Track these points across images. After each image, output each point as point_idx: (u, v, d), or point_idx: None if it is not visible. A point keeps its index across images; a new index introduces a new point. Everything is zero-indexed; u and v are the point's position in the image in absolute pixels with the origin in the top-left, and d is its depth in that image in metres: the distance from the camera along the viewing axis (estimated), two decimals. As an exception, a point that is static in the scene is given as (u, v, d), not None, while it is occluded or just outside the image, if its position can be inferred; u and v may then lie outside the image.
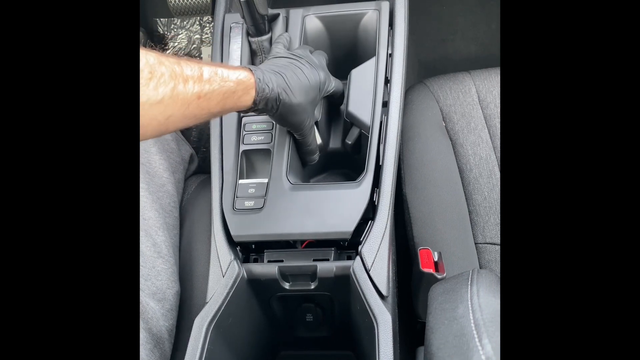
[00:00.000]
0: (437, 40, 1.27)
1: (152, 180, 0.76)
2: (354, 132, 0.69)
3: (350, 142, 0.69)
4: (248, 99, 0.54)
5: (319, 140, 0.69)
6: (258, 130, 0.69)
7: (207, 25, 1.29)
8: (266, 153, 0.68)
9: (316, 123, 0.67)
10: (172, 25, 1.30)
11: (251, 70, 0.54)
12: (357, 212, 0.61)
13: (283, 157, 0.66)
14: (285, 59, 0.61)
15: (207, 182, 0.76)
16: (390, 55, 0.70)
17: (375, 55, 0.70)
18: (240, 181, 0.68)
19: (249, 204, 0.65)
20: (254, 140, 0.69)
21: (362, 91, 0.68)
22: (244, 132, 0.70)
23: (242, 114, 0.69)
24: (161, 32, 1.30)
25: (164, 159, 0.80)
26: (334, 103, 0.72)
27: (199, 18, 1.29)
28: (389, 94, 0.69)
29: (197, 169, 0.93)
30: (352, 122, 0.68)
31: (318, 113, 0.67)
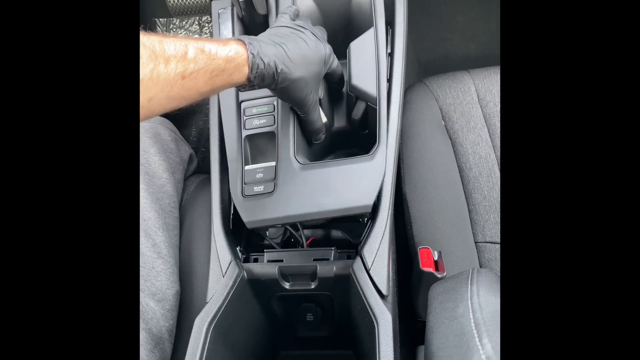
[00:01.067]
0: (436, 40, 1.27)
1: (152, 180, 0.76)
2: (360, 107, 0.65)
3: (357, 118, 0.66)
4: (241, 76, 0.50)
5: (324, 119, 0.65)
6: (259, 114, 0.67)
7: (206, 25, 1.29)
8: (270, 136, 0.66)
9: (320, 101, 0.64)
10: (171, 25, 1.30)
11: (245, 44, 0.50)
12: (374, 185, 0.59)
13: (289, 137, 0.63)
14: (288, 29, 0.57)
15: (207, 182, 0.76)
16: (389, 54, 0.70)
17: (372, 26, 0.67)
18: (247, 167, 0.65)
19: (258, 189, 0.62)
20: (256, 124, 0.66)
21: (364, 63, 0.65)
22: (245, 117, 0.67)
23: (240, 90, 0.65)
24: (160, 32, 1.30)
25: (163, 160, 0.80)
26: (333, 84, 0.68)
27: (197, 18, 1.29)
28: (388, 93, 0.68)
29: (196, 169, 0.93)
30: (357, 95, 0.65)
31: (321, 91, 0.63)
